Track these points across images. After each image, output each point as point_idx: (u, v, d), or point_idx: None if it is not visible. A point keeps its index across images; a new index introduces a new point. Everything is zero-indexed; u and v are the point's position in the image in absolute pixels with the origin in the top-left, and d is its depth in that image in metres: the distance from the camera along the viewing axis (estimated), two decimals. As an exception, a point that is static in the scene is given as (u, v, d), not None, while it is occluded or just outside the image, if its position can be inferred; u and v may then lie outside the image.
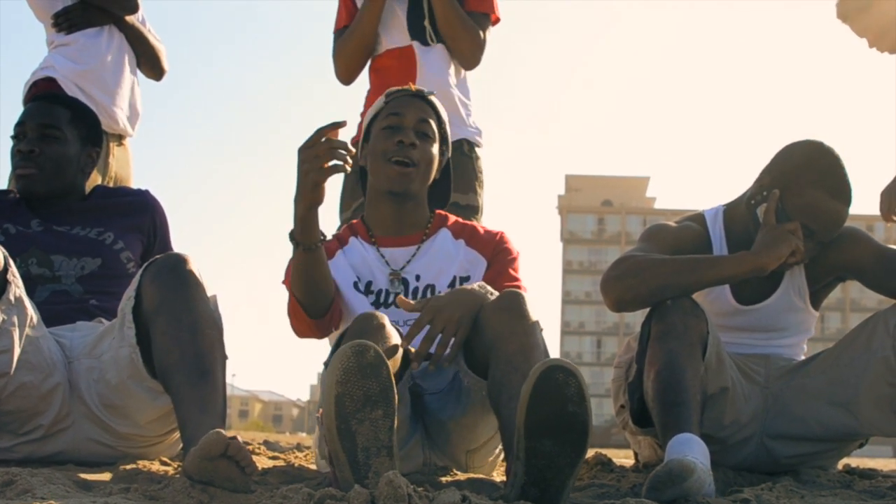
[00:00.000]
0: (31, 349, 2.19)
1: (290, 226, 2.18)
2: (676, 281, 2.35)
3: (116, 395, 2.27)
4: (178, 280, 2.13)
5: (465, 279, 2.49)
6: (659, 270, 2.36)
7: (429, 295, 2.45)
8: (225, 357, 2.12)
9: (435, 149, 2.56)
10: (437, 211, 2.65)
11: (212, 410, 1.98)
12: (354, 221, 2.66)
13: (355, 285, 2.48)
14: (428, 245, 2.55)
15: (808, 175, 2.45)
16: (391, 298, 2.46)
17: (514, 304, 2.07)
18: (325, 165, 2.09)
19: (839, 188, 2.45)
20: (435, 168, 2.58)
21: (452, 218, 2.65)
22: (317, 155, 2.09)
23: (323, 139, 2.09)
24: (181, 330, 2.07)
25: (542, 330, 2.07)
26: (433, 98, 2.62)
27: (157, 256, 2.23)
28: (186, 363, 2.03)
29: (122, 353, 2.21)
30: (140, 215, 2.77)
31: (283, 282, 2.46)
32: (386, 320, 2.09)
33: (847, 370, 2.47)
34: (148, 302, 2.13)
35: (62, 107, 2.78)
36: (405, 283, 2.49)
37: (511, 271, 2.50)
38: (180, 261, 2.17)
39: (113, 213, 2.75)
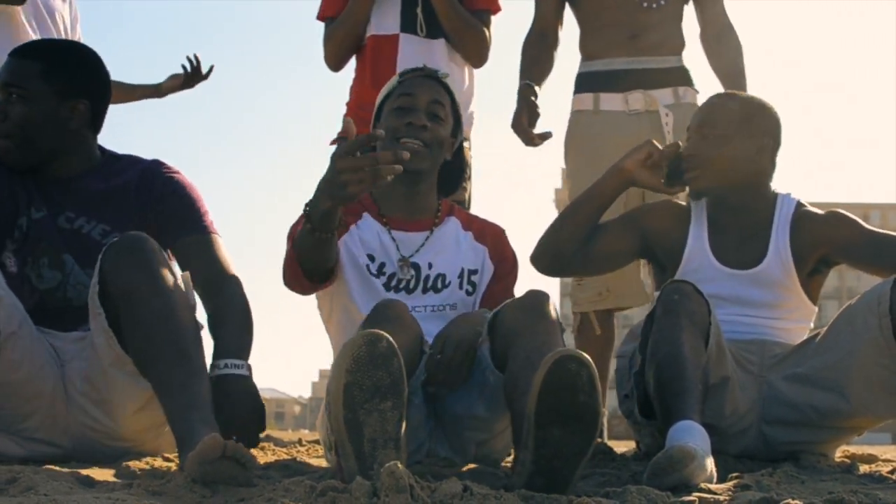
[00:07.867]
0: (19, 346, 2.16)
1: (301, 204, 2.12)
2: (571, 216, 2.74)
3: (103, 388, 2.21)
4: (141, 263, 2.03)
5: (474, 272, 2.53)
6: (556, 225, 2.75)
7: (439, 284, 2.48)
8: (200, 336, 2.06)
9: (447, 131, 2.53)
10: (443, 199, 2.63)
11: (198, 401, 1.92)
12: (364, 197, 2.54)
13: (367, 268, 2.47)
14: (439, 233, 2.55)
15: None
16: (402, 284, 2.47)
17: (536, 303, 2.09)
18: (366, 178, 1.98)
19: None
20: (445, 150, 2.55)
21: (457, 207, 2.66)
22: (359, 169, 1.97)
23: (365, 153, 2.00)
24: (153, 317, 1.99)
25: (563, 331, 2.09)
26: (447, 81, 2.57)
27: (115, 238, 2.10)
28: (163, 351, 1.97)
29: (98, 342, 2.14)
30: (145, 197, 2.42)
31: (288, 236, 2.41)
32: (405, 309, 2.10)
33: (836, 354, 2.47)
34: (113, 287, 2.04)
35: (32, 59, 2.37)
36: (417, 268, 2.49)
37: (513, 291, 2.58)
38: (139, 240, 2.06)
39: (117, 202, 2.41)
